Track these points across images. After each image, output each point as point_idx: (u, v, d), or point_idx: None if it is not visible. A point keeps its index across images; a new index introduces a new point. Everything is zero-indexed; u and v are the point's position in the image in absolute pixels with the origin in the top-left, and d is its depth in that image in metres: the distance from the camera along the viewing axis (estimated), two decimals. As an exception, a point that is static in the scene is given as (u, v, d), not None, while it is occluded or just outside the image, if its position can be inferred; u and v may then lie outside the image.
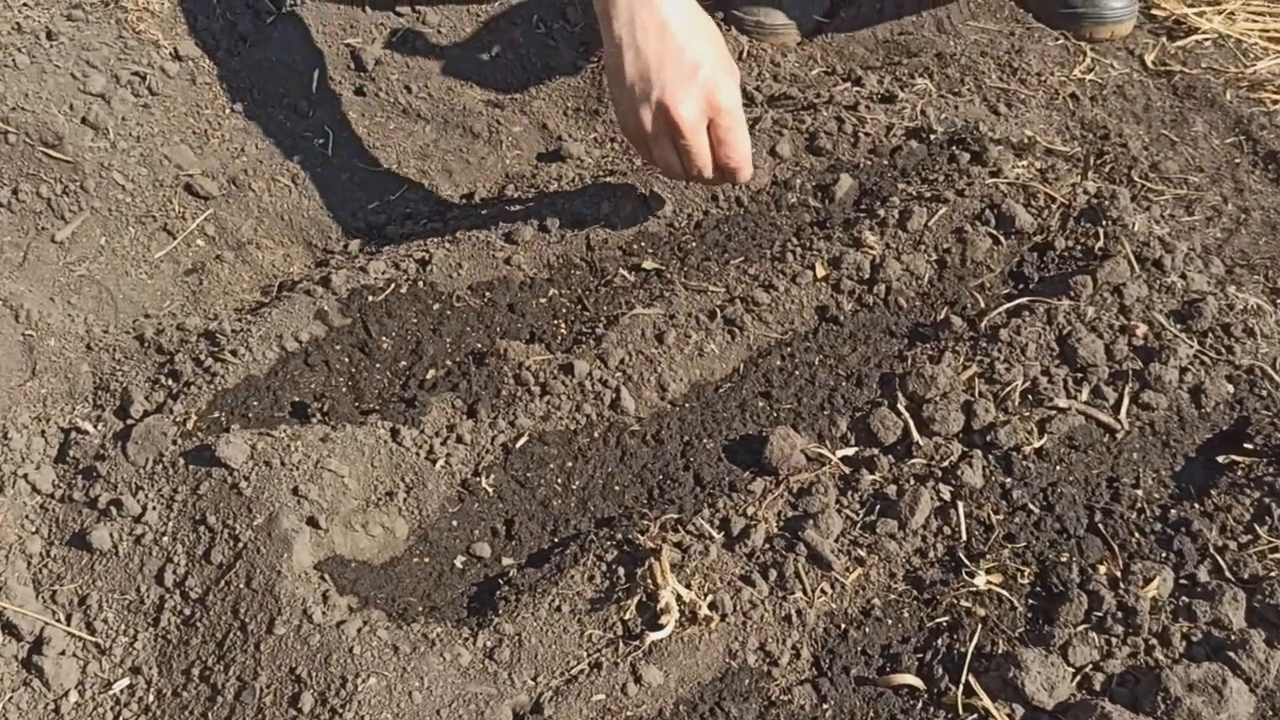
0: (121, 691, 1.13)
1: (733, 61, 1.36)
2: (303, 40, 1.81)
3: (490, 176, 1.77)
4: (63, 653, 1.17)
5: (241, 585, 1.16)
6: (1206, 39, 1.94)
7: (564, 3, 1.93)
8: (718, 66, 1.31)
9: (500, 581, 1.20)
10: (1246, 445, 1.27)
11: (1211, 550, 1.17)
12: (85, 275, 1.56)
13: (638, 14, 1.30)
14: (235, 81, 1.77)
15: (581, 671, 1.09)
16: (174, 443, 1.28)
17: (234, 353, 1.36)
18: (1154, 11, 1.99)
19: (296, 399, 1.35)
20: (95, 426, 1.35)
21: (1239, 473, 1.25)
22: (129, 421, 1.34)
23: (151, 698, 1.11)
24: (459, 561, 1.24)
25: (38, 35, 1.69)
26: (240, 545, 1.18)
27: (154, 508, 1.24)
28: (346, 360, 1.39)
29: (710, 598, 1.14)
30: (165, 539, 1.21)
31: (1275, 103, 1.82)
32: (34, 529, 1.27)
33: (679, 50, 1.29)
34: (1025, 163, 1.56)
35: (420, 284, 1.44)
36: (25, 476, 1.30)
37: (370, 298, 1.42)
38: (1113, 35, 1.92)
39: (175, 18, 1.80)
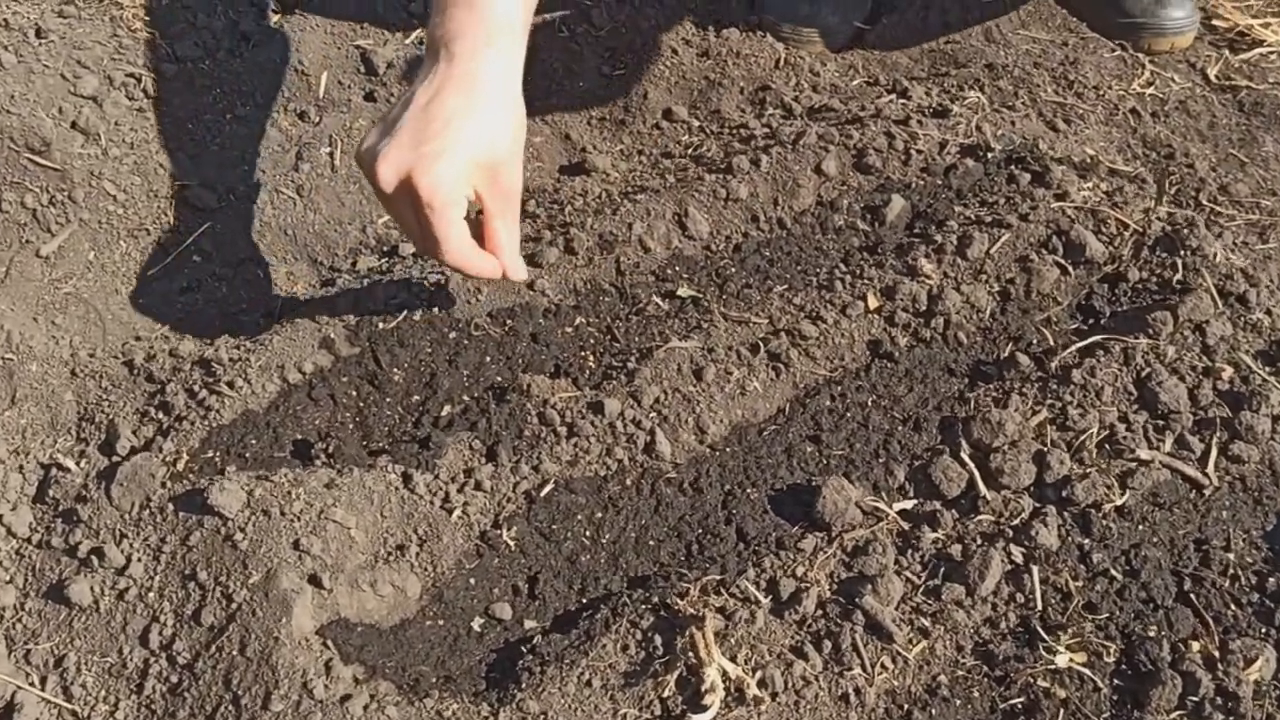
0: (99, 771, 1.01)
1: (496, 163, 1.14)
2: (310, 41, 1.69)
3: (509, 190, 1.64)
4: (36, 720, 1.06)
5: (235, 652, 1.04)
6: (1272, 52, 1.82)
7: (589, 6, 1.81)
8: (449, 152, 1.10)
9: (523, 649, 1.08)
10: (1348, 504, 1.16)
11: (1319, 627, 1.05)
12: (71, 293, 1.44)
13: (439, 66, 1.13)
14: (237, 85, 1.65)
15: (616, 759, 0.97)
16: (163, 485, 1.16)
17: (231, 384, 1.24)
18: (1215, 22, 1.87)
19: (299, 436, 1.23)
20: (78, 463, 1.24)
21: (1342, 536, 1.13)
22: (114, 459, 1.22)
23: (132, 780, 0.99)
24: (477, 624, 1.12)
25: (26, 33, 1.57)
26: (234, 606, 1.06)
27: (139, 559, 1.12)
28: (354, 394, 1.27)
29: (759, 674, 1.02)
30: (151, 595, 1.10)
31: (1349, 121, 1.70)
32: (8, 578, 1.15)
33: (432, 117, 1.11)
34: (1090, 184, 1.44)
35: (435, 310, 1.32)
36: (0, 518, 1.18)
37: (380, 325, 1.30)
38: (1173, 47, 1.80)
39: (173, 15, 1.68)
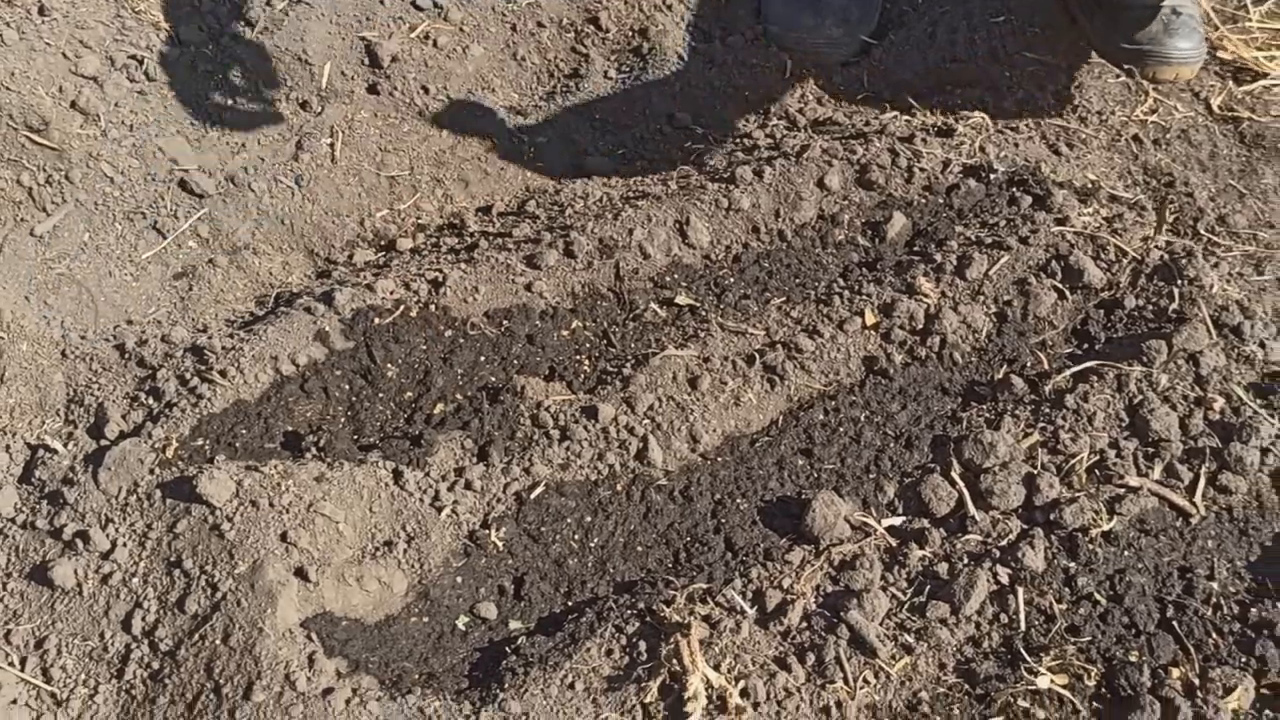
0: (76, 756, 1.00)
1: None
2: (315, 31, 1.68)
3: (510, 189, 1.64)
4: (14, 701, 1.05)
5: (218, 641, 1.03)
6: (1276, 85, 1.83)
7: (596, 7, 1.81)
8: None
9: (507, 649, 1.08)
10: (1333, 539, 1.16)
11: (1299, 659, 1.05)
12: (65, 274, 1.44)
13: None
14: (240, 71, 1.64)
15: (597, 765, 0.97)
16: (151, 471, 1.16)
17: (223, 373, 1.23)
18: (1219, 54, 1.88)
19: (290, 428, 1.22)
20: (65, 445, 1.23)
21: (1325, 570, 1.14)
22: (103, 442, 1.21)
23: (109, 766, 0.99)
24: (461, 622, 1.11)
25: (29, 10, 1.56)
26: (219, 595, 1.05)
27: (124, 544, 1.11)
28: (347, 388, 1.26)
29: (741, 683, 1.02)
30: (135, 581, 1.09)
31: (1347, 157, 1.71)
32: (-9, 558, 1.14)
33: None
34: (1090, 210, 1.45)
35: (432, 307, 1.31)
36: (-15, 497, 1.18)
37: (376, 319, 1.29)
38: (1178, 77, 1.81)
39: (179, -2, 1.67)
